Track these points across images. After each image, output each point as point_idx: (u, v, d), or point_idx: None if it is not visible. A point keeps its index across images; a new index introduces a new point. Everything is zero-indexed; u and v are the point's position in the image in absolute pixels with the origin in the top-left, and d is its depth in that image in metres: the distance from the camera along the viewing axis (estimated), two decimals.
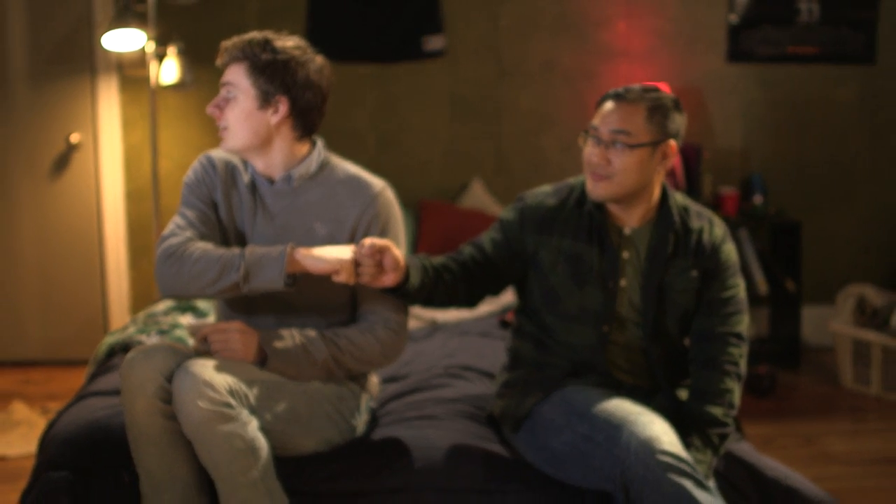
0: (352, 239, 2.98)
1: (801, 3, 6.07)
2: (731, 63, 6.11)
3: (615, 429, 2.70)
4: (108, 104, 5.90)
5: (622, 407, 2.76)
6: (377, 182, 3.05)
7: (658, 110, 2.90)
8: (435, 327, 4.54)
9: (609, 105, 2.93)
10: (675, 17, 6.08)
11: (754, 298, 5.69)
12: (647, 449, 2.62)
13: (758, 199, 5.93)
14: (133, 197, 5.98)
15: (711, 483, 2.76)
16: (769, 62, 6.11)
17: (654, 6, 6.08)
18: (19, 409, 4.95)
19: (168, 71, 5.61)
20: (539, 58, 6.07)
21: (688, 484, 2.60)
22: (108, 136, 5.91)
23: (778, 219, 5.96)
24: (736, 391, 2.92)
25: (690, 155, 5.77)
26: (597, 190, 2.94)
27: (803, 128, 6.19)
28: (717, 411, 2.88)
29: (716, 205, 5.89)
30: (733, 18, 6.09)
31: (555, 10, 6.05)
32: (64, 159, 5.92)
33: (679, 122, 2.94)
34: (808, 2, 6.06)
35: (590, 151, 2.95)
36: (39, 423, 4.78)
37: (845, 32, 6.10)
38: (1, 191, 5.94)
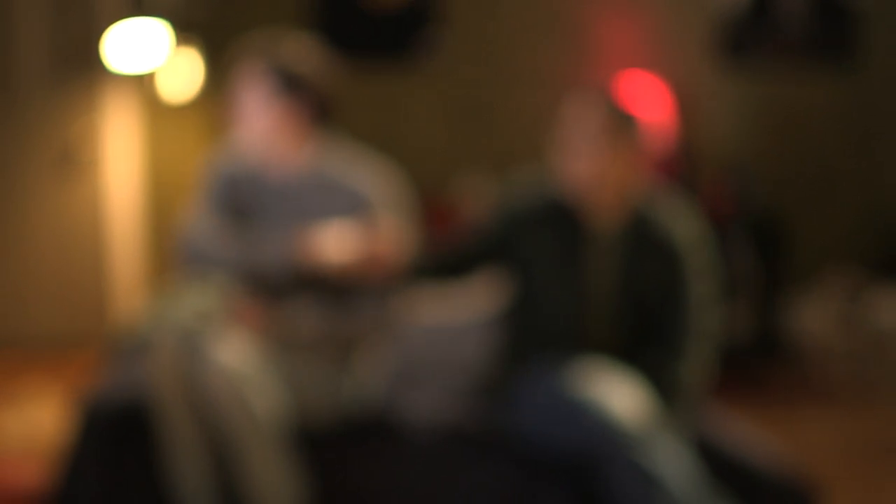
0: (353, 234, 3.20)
1: (789, 5, 6.19)
2: (721, 64, 6.21)
3: (582, 413, 2.97)
4: (119, 105, 5.99)
5: (590, 388, 3.01)
6: (374, 183, 3.26)
7: (625, 116, 3.13)
8: (431, 323, 4.69)
9: (581, 107, 3.17)
10: (665, 19, 6.20)
11: (738, 291, 5.81)
12: (608, 431, 2.91)
13: (745, 197, 6.02)
14: (141, 193, 6.10)
15: (679, 442, 3.02)
16: (758, 63, 6.21)
17: (644, 8, 6.20)
18: (33, 390, 5.10)
19: (178, 69, 5.69)
20: (534, 58, 6.18)
21: (644, 462, 2.88)
22: (117, 136, 6.00)
23: (765, 216, 6.09)
24: (691, 368, 3.15)
25: (679, 154, 5.87)
26: (570, 186, 3.16)
27: (791, 128, 6.30)
28: (679, 375, 3.12)
29: (703, 203, 5.90)
30: (722, 21, 6.18)
31: (549, 12, 6.18)
32: (75, 157, 6.02)
33: (646, 126, 3.15)
34: (797, 5, 6.18)
35: (563, 151, 3.19)
36: (52, 403, 4.91)
37: (833, 35, 6.21)
38: (13, 186, 6.06)
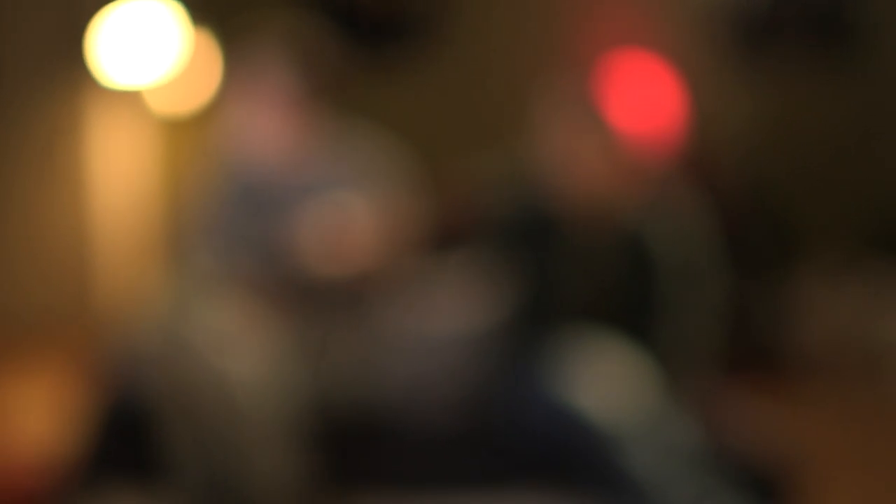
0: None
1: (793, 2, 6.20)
2: (724, 59, 6.20)
3: (562, 416, 3.09)
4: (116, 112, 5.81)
5: (573, 388, 3.11)
6: (376, 171, 3.28)
7: (609, 135, 3.21)
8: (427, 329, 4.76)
9: (567, 117, 3.25)
10: (671, 10, 6.20)
11: (744, 286, 5.78)
12: (586, 434, 3.04)
13: (749, 191, 6.04)
14: (130, 189, 5.90)
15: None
16: (763, 55, 6.22)
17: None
18: (19, 373, 5.04)
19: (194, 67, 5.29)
20: (536, 46, 6.14)
21: (616, 458, 3.00)
22: (112, 143, 5.65)
23: (768, 209, 6.12)
24: (675, 343, 3.26)
25: (686, 146, 5.56)
26: (553, 194, 3.25)
27: (795, 122, 6.26)
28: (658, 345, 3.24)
29: (713, 198, 5.56)
30: (729, 12, 6.17)
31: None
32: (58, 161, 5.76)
33: (634, 132, 3.27)
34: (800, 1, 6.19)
35: (546, 155, 3.28)
36: (42, 388, 4.84)
37: (839, 29, 6.18)
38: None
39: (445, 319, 4.73)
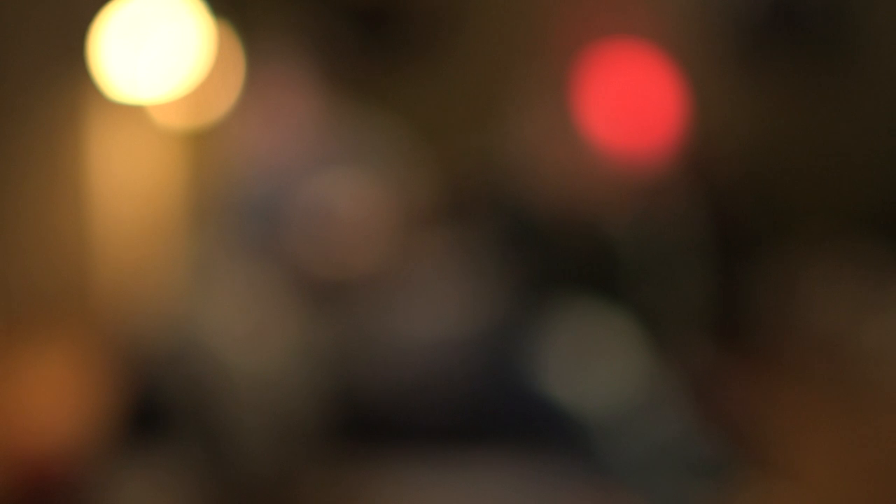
0: None
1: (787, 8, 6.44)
2: (723, 60, 6.43)
3: (544, 407, 3.25)
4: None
5: (555, 375, 3.26)
6: (367, 173, 3.34)
7: (580, 137, 3.39)
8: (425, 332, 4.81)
9: (542, 127, 3.41)
10: (666, 8, 6.38)
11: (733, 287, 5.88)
12: (567, 425, 3.19)
13: (745, 183, 6.26)
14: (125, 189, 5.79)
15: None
16: (759, 55, 6.44)
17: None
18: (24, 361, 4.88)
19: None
20: (542, 35, 6.18)
21: (598, 443, 3.15)
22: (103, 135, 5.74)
23: (764, 199, 6.32)
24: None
25: (675, 141, 5.77)
26: (538, 197, 3.41)
27: (791, 121, 6.48)
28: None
29: (697, 190, 5.84)
30: (725, 13, 6.43)
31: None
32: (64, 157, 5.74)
33: (613, 147, 3.44)
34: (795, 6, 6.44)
35: (534, 159, 3.46)
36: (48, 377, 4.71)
37: (837, 27, 6.41)
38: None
39: (439, 318, 4.79)
